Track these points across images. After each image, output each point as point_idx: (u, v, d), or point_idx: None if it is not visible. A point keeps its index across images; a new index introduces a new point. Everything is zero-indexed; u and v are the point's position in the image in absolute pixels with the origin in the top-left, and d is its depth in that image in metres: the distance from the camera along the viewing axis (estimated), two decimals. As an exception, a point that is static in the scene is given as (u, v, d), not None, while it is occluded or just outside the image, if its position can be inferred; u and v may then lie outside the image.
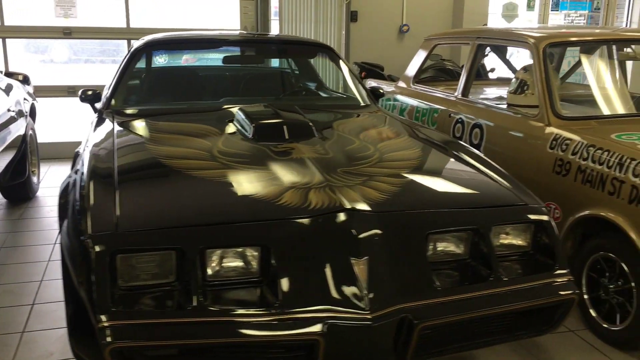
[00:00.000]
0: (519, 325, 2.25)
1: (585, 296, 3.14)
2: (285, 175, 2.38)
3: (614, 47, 3.94)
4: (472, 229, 2.23)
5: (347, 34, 7.67)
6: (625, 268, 2.85)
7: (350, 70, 4.23)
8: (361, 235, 2.04)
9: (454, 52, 7.80)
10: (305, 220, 2.06)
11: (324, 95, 4.23)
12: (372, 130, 3.23)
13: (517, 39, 3.87)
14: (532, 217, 2.32)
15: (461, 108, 4.30)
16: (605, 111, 3.76)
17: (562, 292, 2.20)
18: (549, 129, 3.40)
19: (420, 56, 5.19)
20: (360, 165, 2.55)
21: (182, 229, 1.99)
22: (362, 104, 3.95)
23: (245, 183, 2.31)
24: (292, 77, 4.46)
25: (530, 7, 8.66)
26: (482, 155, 2.92)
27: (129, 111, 3.45)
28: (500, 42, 4.08)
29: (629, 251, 2.80)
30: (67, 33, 6.76)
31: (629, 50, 3.85)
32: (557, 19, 8.92)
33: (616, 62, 4.12)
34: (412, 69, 5.27)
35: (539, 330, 2.28)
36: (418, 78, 5.21)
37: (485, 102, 4.13)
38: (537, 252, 2.33)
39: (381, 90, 4.41)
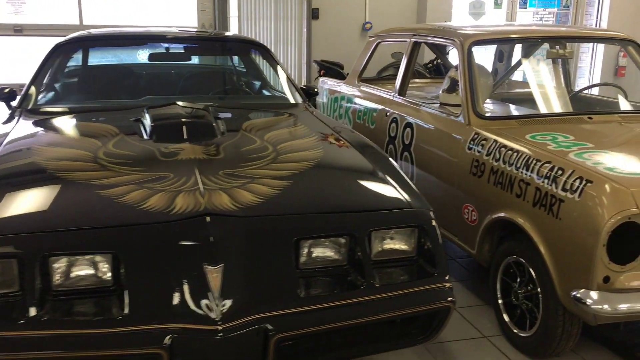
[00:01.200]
0: (394, 334, 2.16)
1: (500, 301, 3.06)
2: (161, 177, 2.28)
3: (552, 45, 3.84)
4: (349, 234, 2.13)
5: (308, 31, 7.58)
6: (532, 273, 2.76)
7: (282, 68, 4.13)
8: (218, 242, 1.94)
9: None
10: (161, 226, 1.97)
11: (254, 94, 4.13)
12: (281, 131, 3.13)
13: (446, 37, 3.78)
14: (414, 221, 2.22)
15: (396, 107, 4.21)
16: (532, 110, 3.67)
17: (437, 300, 2.11)
18: (468, 129, 3.30)
19: (364, 54, 5.09)
20: (248, 167, 2.45)
21: (21, 236, 1.90)
22: (293, 102, 3.85)
23: (112, 186, 2.21)
24: (230, 75, 4.35)
25: (497, 4, 8.57)
26: (388, 158, 2.81)
27: (43, 109, 3.35)
28: (432, 40, 3.98)
29: (535, 255, 2.71)
30: (18, 30, 6.65)
31: (557, 48, 3.75)
32: (525, 17, 8.83)
33: (554, 61, 4.04)
34: (356, 68, 5.18)
35: (415, 340, 2.19)
36: (362, 77, 5.11)
37: (418, 101, 4.04)
38: (421, 257, 2.23)
39: (315, 90, 4.30)
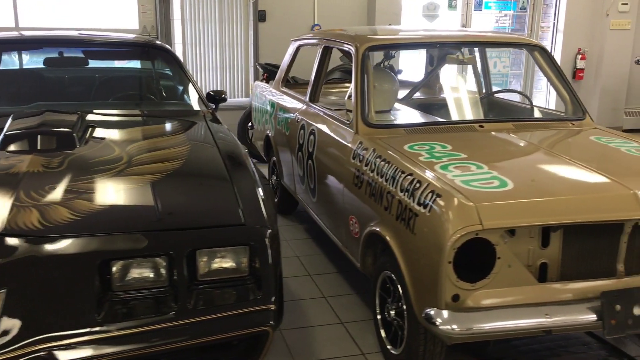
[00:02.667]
0: (210, 360, 2.05)
1: (378, 317, 2.95)
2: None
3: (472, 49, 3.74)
4: (165, 254, 2.02)
5: (255, 34, 7.46)
6: (400, 289, 2.66)
7: (185, 74, 4.02)
8: (2, 265, 1.82)
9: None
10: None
11: (156, 100, 4.00)
12: (151, 140, 3.01)
13: (345, 42, 3.67)
14: (244, 239, 2.11)
15: (304, 114, 4.10)
16: (428, 118, 3.56)
17: (254, 325, 1.99)
18: (355, 138, 3.20)
19: (286, 58, 4.98)
20: (86, 180, 2.33)
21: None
22: (191, 109, 3.74)
23: None
24: (133, 80, 4.23)
25: (451, 6, 8.47)
26: (250, 171, 2.67)
27: None
28: (335, 45, 3.87)
29: (400, 271, 2.60)
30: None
31: (458, 54, 3.65)
32: (480, 19, 8.74)
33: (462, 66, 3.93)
34: (280, 72, 5.06)
35: (235, 366, 2.08)
36: (285, 81, 5.00)
37: (323, 107, 3.92)
38: (253, 278, 2.12)
39: (223, 95, 4.18)
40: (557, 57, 8.88)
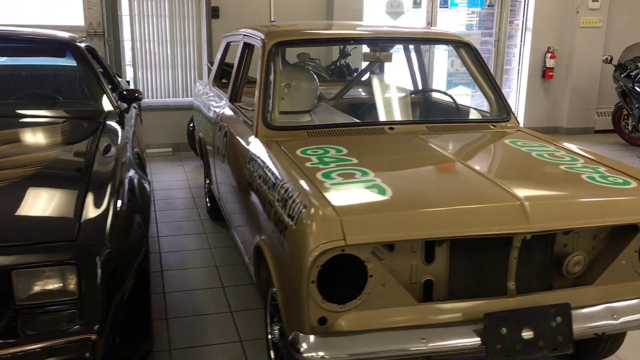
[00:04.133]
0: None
1: (269, 336, 2.71)
2: None
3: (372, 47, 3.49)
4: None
5: (208, 31, 7.21)
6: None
7: (94, 72, 3.77)
8: None
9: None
10: None
11: (63, 99, 3.76)
12: (24, 143, 2.77)
13: (256, 37, 3.43)
14: (67, 257, 1.86)
15: (222, 114, 3.86)
16: (336, 120, 3.33)
17: (66, 356, 1.75)
18: (254, 141, 2.95)
19: (218, 55, 4.74)
20: None
21: None
22: (99, 109, 3.50)
23: None
24: (44, 78, 3.98)
25: (416, 4, 8.24)
26: (108, 182, 2.39)
27: None
28: (249, 41, 3.62)
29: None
30: None
31: (375, 51, 3.41)
32: (447, 17, 8.50)
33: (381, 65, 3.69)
34: (213, 70, 4.83)
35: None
36: (217, 80, 4.76)
37: (241, 108, 3.68)
38: (80, 301, 1.88)
39: (137, 95, 3.94)
40: (526, 56, 8.67)
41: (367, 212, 2.05)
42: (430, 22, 8.27)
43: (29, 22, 6.48)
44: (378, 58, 3.43)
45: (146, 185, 2.76)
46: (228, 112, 3.76)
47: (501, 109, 3.34)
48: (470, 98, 8.86)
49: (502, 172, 2.44)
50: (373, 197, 2.15)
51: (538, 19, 8.50)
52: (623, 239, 2.32)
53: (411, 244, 2.15)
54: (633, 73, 7.46)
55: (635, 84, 7.39)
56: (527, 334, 2.11)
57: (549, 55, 8.58)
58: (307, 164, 2.49)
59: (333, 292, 2.04)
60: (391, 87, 3.73)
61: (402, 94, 3.59)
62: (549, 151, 2.79)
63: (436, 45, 3.82)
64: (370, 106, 3.61)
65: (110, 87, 4.62)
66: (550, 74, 8.67)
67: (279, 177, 2.43)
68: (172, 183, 5.94)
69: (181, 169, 6.51)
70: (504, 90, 8.84)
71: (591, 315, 2.22)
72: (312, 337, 2.03)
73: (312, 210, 2.04)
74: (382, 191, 2.19)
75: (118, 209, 2.15)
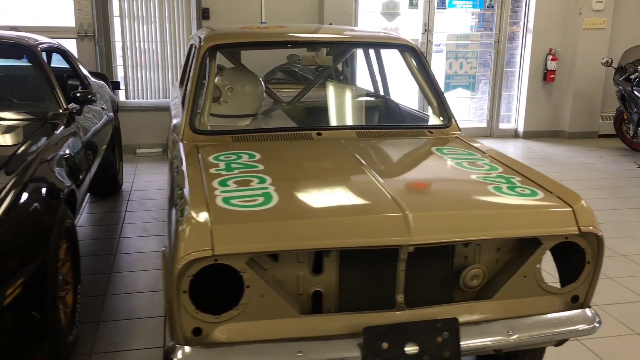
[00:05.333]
0: None
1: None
2: None
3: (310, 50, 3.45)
4: None
5: (198, 32, 7.22)
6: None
7: (45, 72, 3.80)
8: None
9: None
10: None
11: (22, 101, 3.80)
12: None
13: (197, 40, 3.41)
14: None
15: (174, 116, 3.86)
16: (269, 124, 3.30)
17: None
18: (179, 145, 2.94)
19: (186, 58, 4.75)
20: None
21: None
22: (43, 112, 3.53)
23: None
24: (25, 80, 4.03)
25: (413, 5, 8.15)
26: (44, 183, 2.42)
27: None
28: (194, 43, 3.61)
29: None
30: None
31: (313, 54, 3.37)
32: (444, 18, 8.38)
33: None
34: (182, 72, 4.84)
35: None
36: (182, 82, 4.76)
37: (187, 110, 3.67)
38: None
39: (90, 96, 3.96)
40: (527, 58, 8.51)
41: (239, 222, 2.01)
42: (427, 23, 8.17)
43: (20, 24, 6.60)
44: (317, 62, 3.38)
45: (64, 190, 2.76)
46: (176, 114, 3.75)
47: (442, 115, 3.27)
48: (469, 101, 8.74)
49: (403, 183, 2.38)
50: (254, 206, 2.11)
51: (539, 20, 8.32)
52: (525, 252, 2.24)
53: (297, 254, 2.11)
54: (632, 76, 7.25)
55: (634, 88, 7.17)
56: (410, 349, 2.05)
57: (550, 57, 8.40)
58: (212, 170, 2.47)
59: (215, 302, 2.01)
60: (340, 92, 3.68)
61: (346, 99, 3.54)
62: (471, 159, 2.72)
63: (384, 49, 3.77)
64: (314, 110, 3.57)
65: (79, 88, 4.68)
66: (551, 76, 8.49)
67: (178, 183, 2.41)
68: (152, 184, 5.98)
69: (166, 170, 6.54)
70: (505, 93, 8.70)
71: (484, 331, 2.15)
72: (185, 348, 2.01)
73: (186, 219, 2.02)
74: (267, 200, 2.16)
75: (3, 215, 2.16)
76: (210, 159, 2.63)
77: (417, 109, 3.59)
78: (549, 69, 8.45)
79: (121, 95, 7.17)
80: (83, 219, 4.84)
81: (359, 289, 2.19)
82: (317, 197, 2.26)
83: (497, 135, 8.74)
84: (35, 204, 2.46)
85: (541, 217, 2.20)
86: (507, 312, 2.22)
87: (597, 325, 2.28)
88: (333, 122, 3.34)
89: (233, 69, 3.71)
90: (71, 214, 2.95)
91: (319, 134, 2.97)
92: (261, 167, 2.50)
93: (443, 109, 3.28)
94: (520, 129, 8.73)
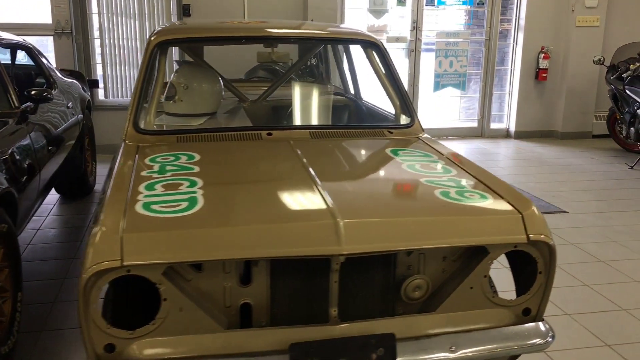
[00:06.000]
0: None
1: None
2: None
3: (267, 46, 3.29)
4: None
5: (179, 29, 7.07)
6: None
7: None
8: None
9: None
10: None
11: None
12: None
13: (150, 37, 3.26)
14: None
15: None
16: (220, 123, 3.16)
17: None
18: (122, 145, 2.79)
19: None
20: None
21: None
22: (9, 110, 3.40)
23: None
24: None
25: (400, 2, 7.97)
26: None
27: None
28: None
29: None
30: None
31: (268, 50, 3.22)
32: (433, 15, 8.22)
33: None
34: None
35: None
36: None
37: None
38: None
39: (45, 94, 3.81)
40: (518, 57, 8.33)
41: (153, 230, 1.86)
42: (416, 20, 8.00)
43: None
44: (272, 58, 3.23)
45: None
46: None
47: (405, 115, 3.11)
48: (459, 100, 8.57)
49: (344, 187, 2.23)
50: (175, 212, 1.96)
51: (531, 18, 8.15)
52: (472, 262, 2.08)
53: (223, 263, 1.96)
54: (624, 75, 7.06)
55: (626, 87, 6.98)
56: (342, 367, 1.90)
57: (542, 55, 8.22)
58: (143, 173, 2.32)
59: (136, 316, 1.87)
60: (303, 90, 3.53)
61: (306, 98, 3.39)
62: (426, 162, 2.56)
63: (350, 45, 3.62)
64: (278, 109, 3.42)
65: (45, 86, 4.55)
66: (543, 75, 8.31)
67: (104, 187, 2.26)
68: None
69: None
70: (497, 92, 8.53)
71: (424, 347, 1.99)
72: (95, 366, 1.86)
73: (97, 227, 1.86)
74: (192, 205, 2.00)
75: None
76: (147, 160, 2.48)
77: (385, 108, 3.42)
78: (541, 67, 8.27)
79: (100, 93, 7.03)
80: (48, 221, 4.70)
81: (291, 302, 2.04)
82: (247, 203, 2.10)
83: (489, 136, 8.57)
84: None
85: (487, 224, 2.04)
86: (451, 326, 2.06)
87: (550, 339, 2.12)
88: (289, 121, 3.19)
89: (189, 65, 3.56)
90: (8, 219, 2.80)
91: (269, 134, 2.82)
92: (197, 169, 2.35)
93: (406, 109, 3.11)
94: (512, 128, 8.55)
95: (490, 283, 2.28)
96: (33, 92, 3.74)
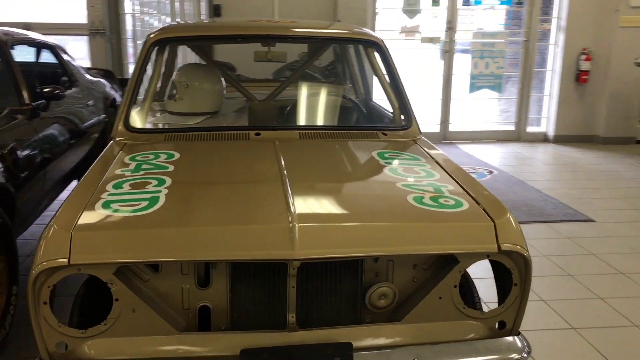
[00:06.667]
0: None
1: None
2: None
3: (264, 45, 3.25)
4: None
5: (210, 29, 7.14)
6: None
7: (14, 69, 3.74)
8: None
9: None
10: None
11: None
12: None
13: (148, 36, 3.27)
14: None
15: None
16: (219, 122, 3.13)
17: None
18: (113, 145, 2.79)
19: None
20: None
21: None
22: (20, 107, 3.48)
23: None
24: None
25: (435, 2, 7.82)
26: None
27: None
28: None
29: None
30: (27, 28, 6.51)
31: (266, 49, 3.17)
32: (469, 16, 8.03)
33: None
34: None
35: None
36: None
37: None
38: None
39: (57, 92, 3.88)
40: (558, 58, 8.05)
41: (104, 229, 1.85)
42: (450, 21, 7.82)
43: (34, 21, 6.67)
44: (269, 58, 3.19)
45: None
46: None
47: (402, 117, 3.01)
48: (496, 102, 8.35)
49: (313, 190, 2.16)
50: (133, 211, 1.93)
51: (572, 18, 7.85)
52: (442, 271, 1.99)
53: (180, 265, 1.93)
54: (669, 78, 6.71)
55: (671, 90, 6.64)
56: (296, 376, 1.84)
57: (583, 57, 7.91)
58: (118, 171, 2.31)
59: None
60: (304, 90, 3.47)
61: (303, 97, 3.33)
62: (410, 165, 2.46)
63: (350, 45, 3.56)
64: (281, 109, 3.37)
65: (67, 84, 4.64)
66: (584, 77, 7.99)
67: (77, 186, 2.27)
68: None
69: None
70: (535, 95, 8.27)
71: (385, 358, 1.91)
72: (46, 364, 1.85)
73: (50, 225, 1.86)
74: (151, 204, 1.98)
75: None
76: (126, 159, 2.48)
77: (389, 110, 3.33)
78: (582, 69, 7.96)
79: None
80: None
81: (251, 306, 1.99)
82: (209, 204, 2.07)
83: (525, 140, 8.30)
84: None
85: (456, 232, 1.94)
86: (417, 338, 1.97)
87: (525, 355, 1.99)
88: (284, 121, 3.14)
89: (192, 65, 3.56)
90: (2, 212, 2.85)
91: (257, 134, 2.78)
92: (171, 168, 2.33)
93: (404, 110, 3.02)
94: (551, 133, 8.27)
95: (473, 293, 2.18)
96: (45, 90, 3.81)
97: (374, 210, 2.04)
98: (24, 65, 4.56)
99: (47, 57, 5.00)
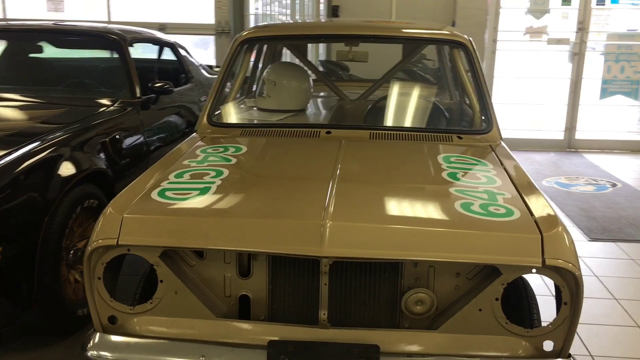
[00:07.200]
0: None
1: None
2: None
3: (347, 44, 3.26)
4: None
5: (328, 29, 7.28)
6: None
7: (128, 65, 4.07)
8: None
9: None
10: None
11: (95, 88, 4.12)
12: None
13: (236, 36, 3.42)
14: None
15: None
16: (295, 120, 3.18)
17: None
18: (194, 138, 2.95)
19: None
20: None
21: None
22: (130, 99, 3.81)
23: None
24: (104, 70, 4.40)
25: (566, 1, 7.38)
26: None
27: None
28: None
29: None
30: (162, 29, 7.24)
31: (347, 48, 3.16)
32: (604, 16, 7.48)
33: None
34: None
35: None
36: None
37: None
38: None
39: (167, 86, 4.15)
40: None
41: (152, 214, 1.97)
42: (582, 21, 7.34)
43: (168, 21, 7.18)
44: (351, 57, 3.20)
45: (84, 168, 2.94)
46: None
47: (482, 121, 2.90)
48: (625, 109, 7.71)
49: (358, 191, 2.14)
50: (181, 199, 2.05)
51: None
52: (484, 282, 1.91)
53: (223, 253, 2.02)
54: None
55: None
56: (322, 370, 1.85)
57: None
58: (185, 162, 2.45)
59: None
60: (394, 90, 3.46)
61: (388, 98, 3.31)
62: (474, 171, 2.37)
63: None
64: (368, 110, 3.38)
65: (183, 79, 4.98)
66: None
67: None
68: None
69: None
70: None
71: (412, 366, 1.86)
72: (98, 335, 2.02)
73: (107, 208, 2.02)
74: (201, 194, 2.09)
75: None
76: (198, 150, 2.62)
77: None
78: None
79: (252, 89, 7.47)
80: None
81: (289, 300, 2.03)
82: (253, 196, 2.13)
83: (666, 151, 7.59)
84: (38, 179, 2.65)
85: (497, 242, 1.84)
86: (450, 348, 1.90)
87: (571, 380, 1.86)
88: (367, 121, 3.15)
89: (281, 63, 3.66)
90: (99, 193, 3.11)
91: (328, 132, 2.81)
92: (233, 161, 2.43)
93: (485, 114, 2.91)
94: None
95: (532, 309, 2.07)
96: (156, 85, 4.10)
97: (415, 213, 2.00)
98: (146, 61, 4.97)
99: (168, 54, 5.37)
